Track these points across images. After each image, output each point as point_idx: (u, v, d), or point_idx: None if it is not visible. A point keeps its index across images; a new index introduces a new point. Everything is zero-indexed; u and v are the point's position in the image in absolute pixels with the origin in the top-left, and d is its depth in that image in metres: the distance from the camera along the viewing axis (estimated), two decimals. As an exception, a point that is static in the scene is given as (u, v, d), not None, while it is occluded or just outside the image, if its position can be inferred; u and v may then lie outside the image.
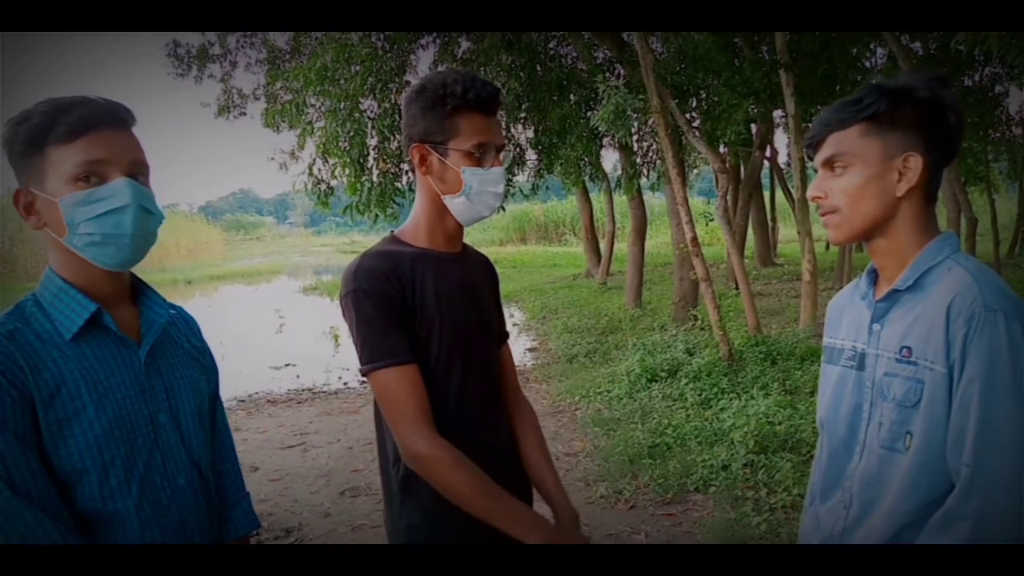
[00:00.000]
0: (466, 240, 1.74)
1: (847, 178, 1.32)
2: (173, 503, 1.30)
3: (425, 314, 1.53)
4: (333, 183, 9.04)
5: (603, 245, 16.29)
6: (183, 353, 1.41)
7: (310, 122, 9.02)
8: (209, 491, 1.40)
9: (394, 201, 8.87)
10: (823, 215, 1.37)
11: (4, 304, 1.26)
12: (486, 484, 1.46)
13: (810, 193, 1.38)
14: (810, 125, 1.40)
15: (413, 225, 1.63)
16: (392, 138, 8.69)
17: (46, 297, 1.25)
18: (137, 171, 1.26)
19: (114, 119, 1.25)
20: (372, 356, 1.49)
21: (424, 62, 14.24)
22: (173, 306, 1.44)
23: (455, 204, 1.57)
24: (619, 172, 12.15)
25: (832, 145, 1.33)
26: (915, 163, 1.29)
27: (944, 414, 1.22)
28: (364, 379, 1.63)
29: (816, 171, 1.38)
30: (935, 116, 1.30)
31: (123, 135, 1.26)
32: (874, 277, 1.43)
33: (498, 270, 1.86)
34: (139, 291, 1.38)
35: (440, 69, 1.73)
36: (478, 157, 1.54)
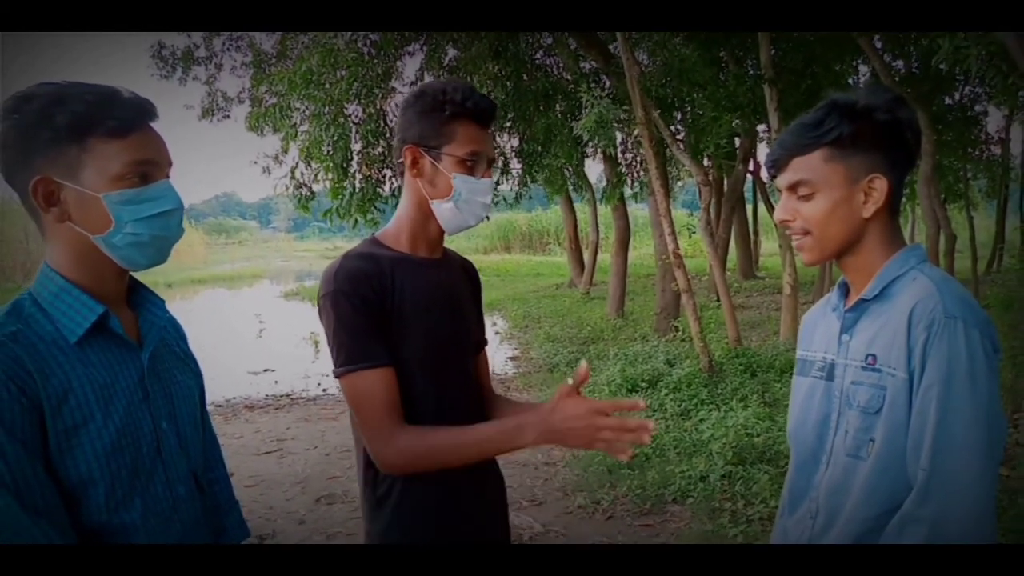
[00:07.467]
0: (450, 247, 1.73)
1: (814, 203, 1.33)
2: (175, 513, 1.24)
3: (401, 318, 1.53)
4: (316, 187, 9.00)
5: (587, 255, 16.34)
6: (176, 358, 1.36)
7: (294, 126, 8.97)
8: (205, 500, 1.36)
9: (375, 207, 8.82)
10: (793, 237, 1.39)
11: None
12: (456, 435, 1.47)
13: (778, 216, 1.40)
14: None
15: (395, 228, 1.62)
16: (376, 143, 8.66)
17: (45, 297, 1.16)
18: (169, 173, 1.23)
19: (153, 116, 1.21)
20: (348, 359, 1.48)
21: (410, 68, 14.27)
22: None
23: (442, 209, 1.57)
24: (603, 183, 12.19)
25: (796, 170, 1.34)
26: (880, 185, 1.31)
27: (904, 419, 1.24)
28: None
29: (778, 189, 1.39)
30: (895, 136, 1.32)
31: (158, 134, 1.22)
32: (845, 290, 1.44)
33: (481, 277, 1.85)
34: (135, 291, 1.32)
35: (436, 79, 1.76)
36: (470, 165, 1.55)
